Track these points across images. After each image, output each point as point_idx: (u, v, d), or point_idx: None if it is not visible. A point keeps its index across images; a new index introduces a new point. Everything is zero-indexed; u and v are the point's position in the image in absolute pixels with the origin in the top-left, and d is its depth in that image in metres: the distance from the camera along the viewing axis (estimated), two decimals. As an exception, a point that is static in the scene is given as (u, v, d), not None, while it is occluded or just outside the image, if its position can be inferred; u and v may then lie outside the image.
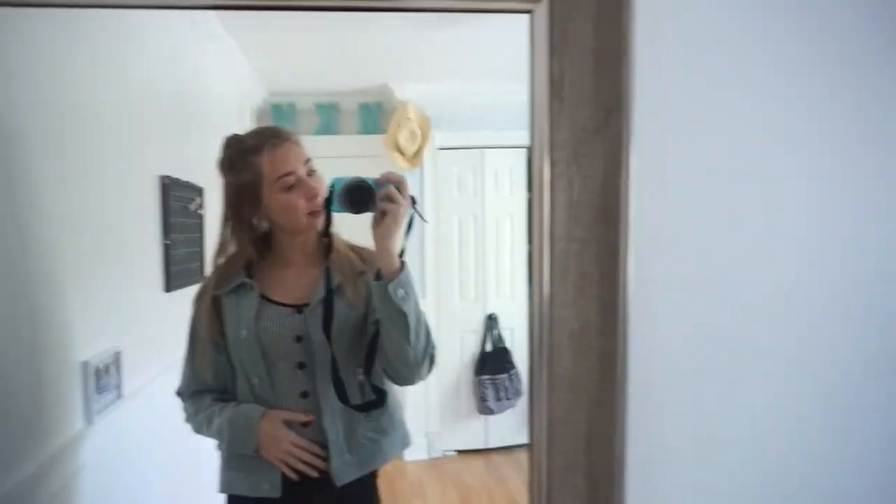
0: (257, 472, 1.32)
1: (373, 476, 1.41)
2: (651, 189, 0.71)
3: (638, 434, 0.72)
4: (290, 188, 1.28)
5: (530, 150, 0.67)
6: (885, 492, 0.82)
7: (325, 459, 1.30)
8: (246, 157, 1.29)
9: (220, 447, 1.36)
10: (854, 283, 0.79)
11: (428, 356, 1.27)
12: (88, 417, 1.46)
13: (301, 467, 1.28)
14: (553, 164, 0.64)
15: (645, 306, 0.72)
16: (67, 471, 1.36)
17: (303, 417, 1.29)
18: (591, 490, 0.68)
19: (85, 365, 1.46)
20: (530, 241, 0.68)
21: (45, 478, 1.26)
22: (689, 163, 0.73)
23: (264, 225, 1.37)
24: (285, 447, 1.27)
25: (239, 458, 1.34)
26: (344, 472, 1.30)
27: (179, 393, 1.45)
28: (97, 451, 1.47)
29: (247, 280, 1.33)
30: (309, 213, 1.29)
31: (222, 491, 1.38)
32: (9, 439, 1.17)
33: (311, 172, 1.30)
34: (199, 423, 1.37)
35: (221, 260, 1.36)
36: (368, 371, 1.30)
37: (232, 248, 1.36)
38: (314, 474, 1.28)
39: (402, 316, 1.18)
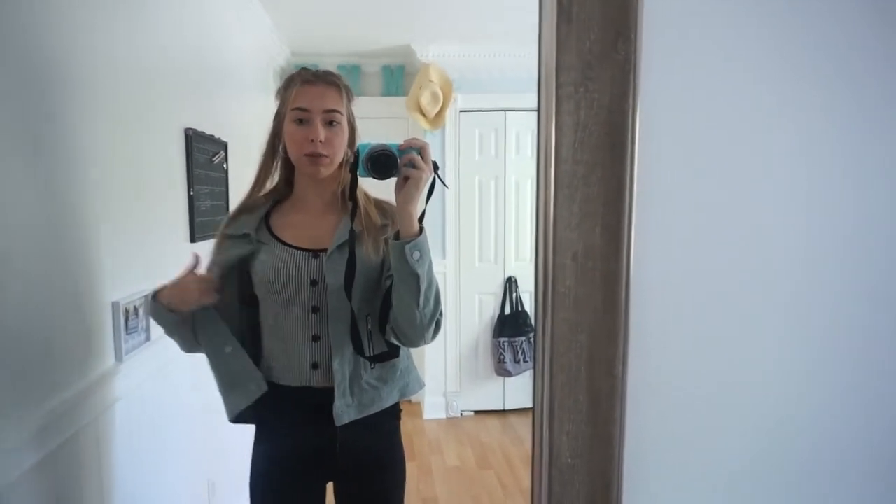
0: (240, 378, 1.36)
1: (396, 417, 1.47)
2: (659, 116, 0.72)
3: (639, 355, 0.74)
4: (299, 123, 1.32)
5: (538, 71, 0.68)
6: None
7: (332, 401, 1.33)
8: (287, 86, 1.36)
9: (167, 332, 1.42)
10: (862, 226, 0.79)
11: (434, 322, 1.29)
12: (119, 355, 1.53)
13: (194, 294, 1.31)
14: (560, 87, 0.65)
15: (649, 232, 0.73)
16: (103, 401, 1.44)
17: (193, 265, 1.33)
18: (592, 406, 0.71)
19: (115, 305, 1.52)
20: (538, 164, 0.70)
21: (85, 403, 1.35)
22: (700, 91, 0.73)
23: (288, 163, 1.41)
24: (178, 284, 1.32)
25: (224, 377, 1.39)
26: (343, 412, 1.33)
27: None
28: (127, 389, 1.55)
29: (250, 233, 1.36)
30: (307, 155, 1.32)
31: (232, 419, 1.42)
32: (50, 368, 1.25)
33: (330, 122, 1.33)
34: None
35: (257, 192, 1.42)
36: (382, 326, 1.33)
37: (266, 182, 1.42)
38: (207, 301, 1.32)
39: (415, 278, 1.21)
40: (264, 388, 1.36)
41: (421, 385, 1.48)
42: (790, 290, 0.80)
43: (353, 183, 1.30)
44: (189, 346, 1.42)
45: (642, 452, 0.76)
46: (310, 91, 1.33)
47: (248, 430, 1.47)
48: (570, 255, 0.69)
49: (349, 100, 1.39)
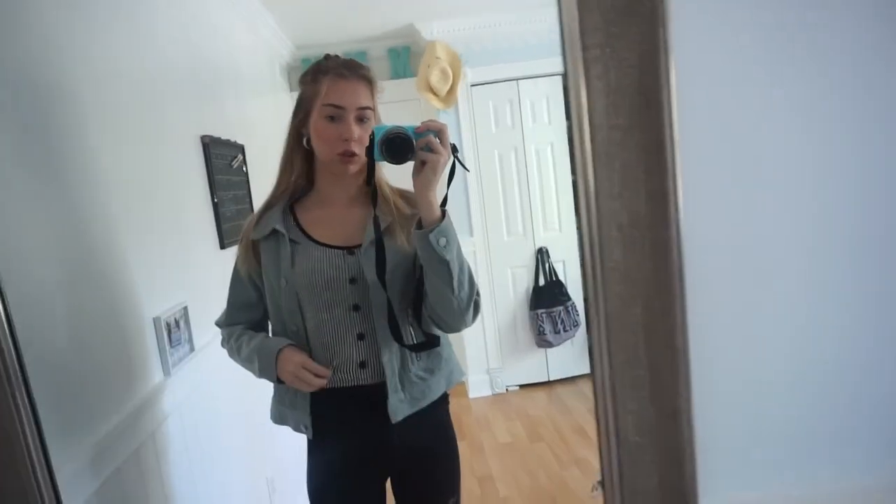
0: (298, 410, 1.38)
1: (445, 403, 1.46)
2: (697, 69, 0.67)
3: (698, 324, 0.71)
4: (330, 119, 1.28)
5: (561, 37, 0.64)
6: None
7: (384, 398, 1.32)
8: (316, 75, 1.31)
9: (255, 375, 1.40)
10: None
11: (472, 304, 1.27)
12: (166, 369, 1.54)
13: (313, 383, 1.28)
14: (585, 49, 0.61)
15: (698, 193, 0.69)
16: (155, 418, 1.45)
17: (323, 371, 1.29)
18: (655, 382, 0.68)
19: (156, 320, 1.53)
20: (570, 133, 0.66)
21: (137, 423, 1.36)
22: (741, 36, 0.68)
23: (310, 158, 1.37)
24: (291, 368, 1.29)
25: (284, 394, 1.40)
26: (398, 408, 1.32)
27: (218, 324, 1.51)
28: (178, 401, 1.57)
29: (278, 229, 1.32)
30: (340, 154, 1.28)
31: (275, 420, 1.44)
32: (101, 391, 1.26)
33: (362, 119, 1.29)
34: (231, 349, 1.42)
35: (282, 188, 1.39)
36: (417, 316, 1.32)
37: (291, 177, 1.38)
38: (311, 389, 1.29)
39: (445, 264, 1.19)
40: (310, 435, 1.38)
41: (462, 374, 1.47)
42: (852, 246, 0.75)
43: (371, 167, 1.27)
44: None
45: (714, 425, 0.73)
46: (343, 86, 1.28)
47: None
48: (615, 227, 0.65)
49: (377, 92, 1.35)
